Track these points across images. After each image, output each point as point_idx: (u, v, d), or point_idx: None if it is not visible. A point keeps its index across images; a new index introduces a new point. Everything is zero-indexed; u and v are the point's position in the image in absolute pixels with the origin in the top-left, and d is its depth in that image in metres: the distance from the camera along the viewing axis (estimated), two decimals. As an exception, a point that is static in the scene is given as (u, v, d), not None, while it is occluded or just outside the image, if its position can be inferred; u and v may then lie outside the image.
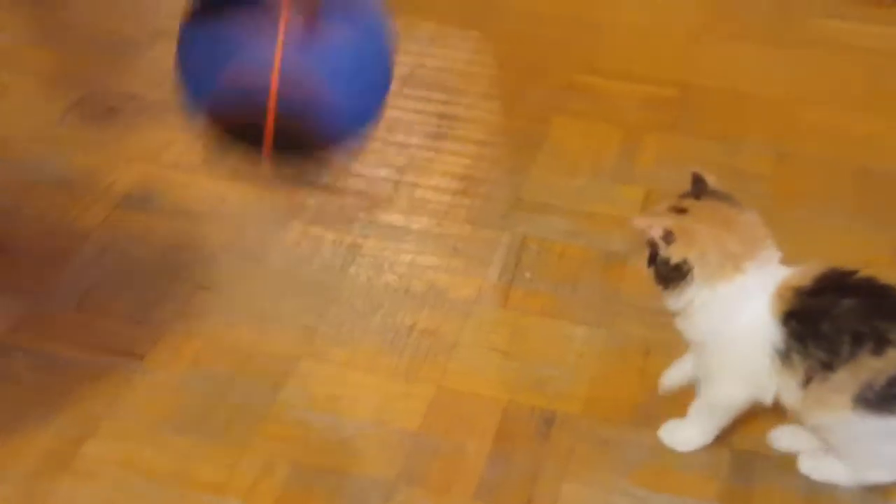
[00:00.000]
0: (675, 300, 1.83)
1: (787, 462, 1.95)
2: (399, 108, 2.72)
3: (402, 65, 2.85)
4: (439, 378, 2.10)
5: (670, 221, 1.79)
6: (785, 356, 1.79)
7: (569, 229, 2.40)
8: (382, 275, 2.30)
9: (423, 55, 2.89)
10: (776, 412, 2.01)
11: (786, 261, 2.25)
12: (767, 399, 1.87)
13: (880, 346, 1.74)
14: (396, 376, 2.10)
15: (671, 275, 1.80)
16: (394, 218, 2.43)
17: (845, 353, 1.75)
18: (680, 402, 2.04)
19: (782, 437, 1.99)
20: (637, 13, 3.06)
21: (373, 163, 2.56)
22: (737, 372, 1.88)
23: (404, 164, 2.56)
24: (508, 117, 2.75)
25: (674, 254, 1.79)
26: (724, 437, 1.98)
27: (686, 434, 1.99)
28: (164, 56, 2.78)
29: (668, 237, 1.78)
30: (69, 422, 2.01)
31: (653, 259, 1.81)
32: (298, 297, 2.24)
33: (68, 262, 2.29)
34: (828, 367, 1.76)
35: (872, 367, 1.74)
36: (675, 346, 2.12)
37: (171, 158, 2.52)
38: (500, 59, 2.95)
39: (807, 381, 1.79)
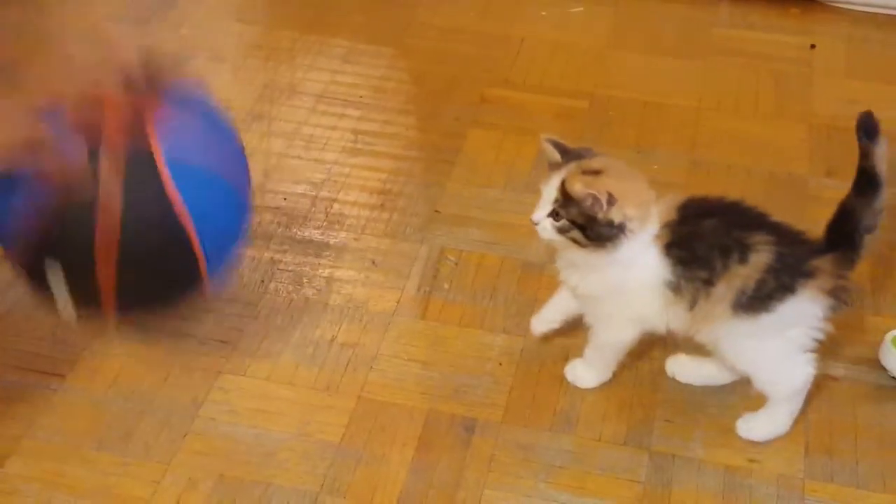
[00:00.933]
0: (604, 258, 1.90)
1: (704, 463, 1.99)
2: (314, 124, 2.73)
3: (316, 82, 2.87)
4: (360, 390, 2.11)
5: (605, 185, 1.85)
6: (675, 286, 1.91)
7: (485, 240, 2.42)
8: (301, 289, 2.31)
9: (336, 72, 2.90)
10: (694, 416, 2.06)
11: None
12: (660, 329, 1.99)
13: (744, 253, 1.88)
14: (317, 389, 2.11)
15: (611, 234, 1.87)
16: (312, 233, 2.44)
17: (719, 266, 1.88)
18: (600, 407, 2.07)
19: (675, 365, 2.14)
20: (549, 28, 3.10)
21: (290, 179, 2.57)
22: (630, 316, 1.99)
23: (321, 180, 2.57)
24: (424, 132, 2.77)
25: (616, 214, 1.86)
26: (642, 440, 2.02)
27: (585, 374, 2.12)
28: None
29: (612, 199, 1.85)
30: (-11, 441, 2.01)
31: (589, 224, 1.87)
32: (218, 313, 2.24)
33: (-15, 284, 2.29)
34: (709, 283, 1.89)
35: (741, 275, 1.88)
36: (593, 351, 2.15)
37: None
38: (415, 75, 2.97)
39: (693, 303, 1.91)
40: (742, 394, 2.07)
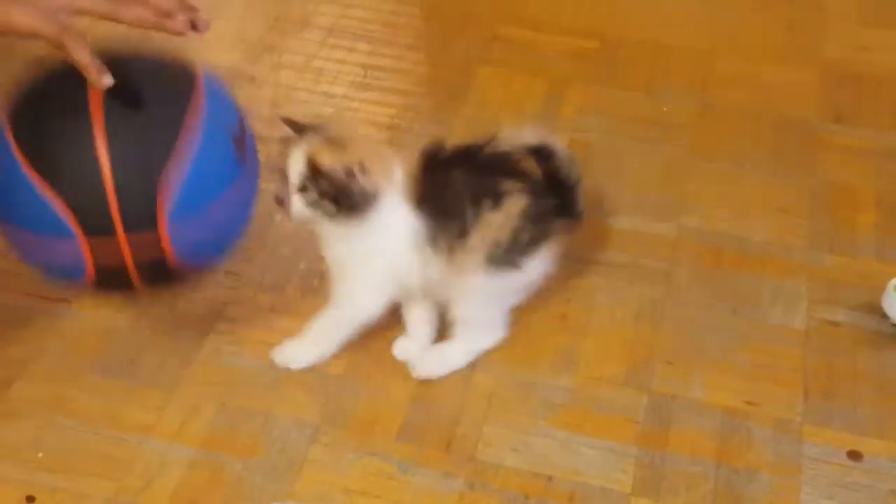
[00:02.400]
0: (357, 226, 1.87)
1: (703, 404, 2.00)
2: (324, 58, 2.73)
3: (327, 15, 2.87)
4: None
5: (354, 155, 1.84)
6: (431, 239, 1.90)
7: (492, 178, 2.42)
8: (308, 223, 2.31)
9: (347, 6, 2.90)
10: (694, 358, 2.07)
11: (708, 209, 2.31)
12: (414, 288, 1.98)
13: (497, 199, 1.90)
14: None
15: (364, 202, 1.85)
16: (319, 166, 2.44)
17: (470, 215, 1.89)
18: (601, 348, 2.08)
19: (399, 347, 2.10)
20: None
21: (298, 113, 2.55)
22: (387, 277, 1.95)
23: (330, 114, 2.57)
24: (433, 68, 2.77)
25: (367, 182, 1.84)
26: (642, 381, 2.03)
27: (301, 352, 2.05)
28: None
29: (363, 168, 1.83)
30: (-4, 365, 2.03)
31: (341, 196, 1.84)
32: (224, 244, 2.26)
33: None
34: (463, 233, 1.89)
35: (495, 223, 1.90)
36: (596, 291, 2.16)
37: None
38: (426, 11, 2.96)
39: (450, 254, 1.91)
40: (742, 336, 2.08)
